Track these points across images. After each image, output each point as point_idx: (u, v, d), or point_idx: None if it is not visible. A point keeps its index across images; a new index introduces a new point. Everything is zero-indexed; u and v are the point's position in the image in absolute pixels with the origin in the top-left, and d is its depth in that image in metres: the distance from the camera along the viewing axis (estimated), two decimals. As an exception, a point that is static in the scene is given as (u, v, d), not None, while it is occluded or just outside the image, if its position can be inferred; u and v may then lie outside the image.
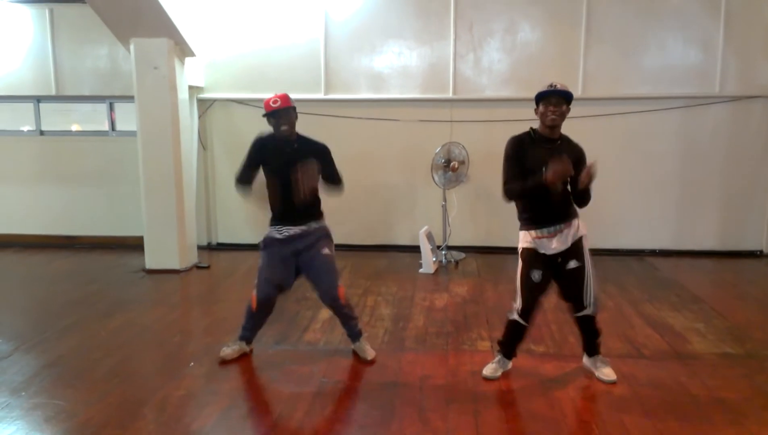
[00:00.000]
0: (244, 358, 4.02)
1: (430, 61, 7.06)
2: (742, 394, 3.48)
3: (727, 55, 6.74)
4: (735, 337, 4.43)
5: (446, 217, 6.85)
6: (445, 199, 6.81)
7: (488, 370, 3.71)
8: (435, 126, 7.06)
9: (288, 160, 3.78)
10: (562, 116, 3.40)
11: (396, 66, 7.11)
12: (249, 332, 4.06)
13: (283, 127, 3.80)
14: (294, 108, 3.87)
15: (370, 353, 4.02)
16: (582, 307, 3.56)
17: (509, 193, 3.48)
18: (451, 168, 6.59)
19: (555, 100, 3.36)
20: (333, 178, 4.01)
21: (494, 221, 7.18)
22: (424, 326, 4.68)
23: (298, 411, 3.30)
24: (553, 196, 3.40)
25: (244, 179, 3.91)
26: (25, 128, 7.74)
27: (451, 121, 7.06)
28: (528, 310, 3.57)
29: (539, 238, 3.49)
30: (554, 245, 3.48)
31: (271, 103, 3.79)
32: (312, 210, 3.94)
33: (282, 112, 3.79)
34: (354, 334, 4.08)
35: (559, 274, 3.55)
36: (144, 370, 3.97)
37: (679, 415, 3.23)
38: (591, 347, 3.72)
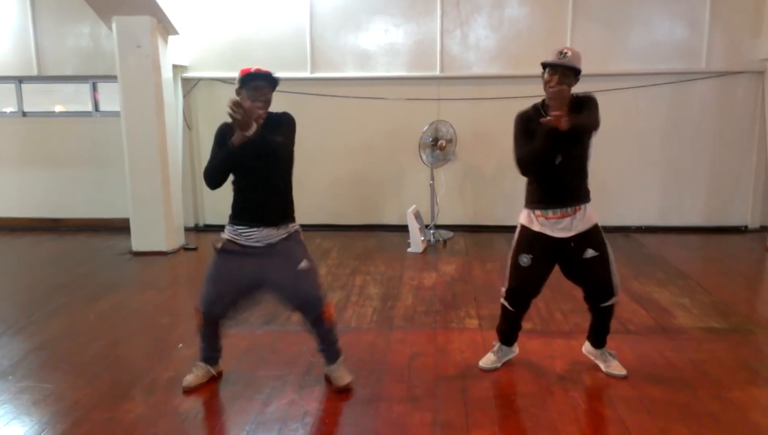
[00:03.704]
0: (232, 338, 3.98)
1: (416, 38, 7.00)
2: (726, 368, 3.52)
3: (714, 30, 6.73)
4: (720, 311, 4.48)
5: (434, 196, 6.84)
6: (432, 178, 6.80)
7: (485, 361, 3.54)
8: (422, 104, 7.01)
9: (253, 142, 2.96)
10: (567, 89, 3.12)
11: (382, 43, 7.04)
12: (208, 353, 3.43)
13: (258, 103, 3.05)
14: (276, 84, 3.13)
15: (346, 377, 3.31)
16: (608, 297, 3.33)
17: (523, 162, 3.21)
18: (438, 146, 6.57)
19: (561, 70, 3.08)
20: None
21: (482, 200, 7.18)
22: (412, 305, 4.69)
23: (288, 391, 3.31)
24: (564, 175, 3.18)
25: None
26: (8, 110, 7.62)
27: (438, 99, 7.02)
28: (514, 295, 3.41)
29: (544, 217, 3.25)
30: (558, 228, 3.22)
31: (252, 71, 3.06)
32: (281, 209, 3.22)
33: (262, 84, 3.06)
34: (332, 356, 3.38)
35: (573, 265, 3.32)
36: (133, 352, 3.95)
37: (665, 389, 3.26)
38: (601, 339, 3.50)
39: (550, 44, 6.96)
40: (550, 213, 3.23)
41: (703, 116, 6.96)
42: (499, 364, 3.55)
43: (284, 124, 3.18)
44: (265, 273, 3.18)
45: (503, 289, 3.46)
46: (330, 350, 3.37)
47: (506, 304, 3.45)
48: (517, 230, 3.39)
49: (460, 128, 6.65)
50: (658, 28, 6.82)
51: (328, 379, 3.39)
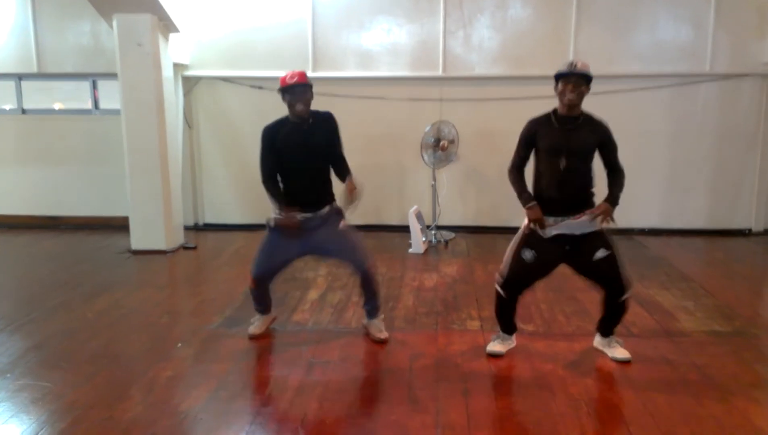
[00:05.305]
0: (231, 339, 4.00)
1: (419, 38, 6.97)
2: (729, 372, 3.50)
3: (718, 33, 6.71)
4: (723, 314, 4.45)
5: (436, 196, 6.81)
6: (434, 179, 6.78)
7: (491, 346, 3.71)
8: (424, 104, 6.99)
9: (302, 141, 3.70)
10: (581, 96, 3.38)
11: (385, 43, 7.02)
12: (262, 306, 4.07)
13: (299, 107, 3.65)
14: (311, 86, 3.71)
15: (384, 332, 3.98)
16: (623, 292, 3.49)
17: (510, 179, 3.56)
18: (440, 147, 6.54)
19: (574, 79, 3.32)
20: (340, 161, 3.92)
21: (484, 201, 7.16)
22: (413, 306, 4.67)
23: (287, 392, 3.28)
24: (567, 184, 3.41)
25: (271, 173, 3.77)
26: (7, 107, 7.59)
27: (440, 100, 7.00)
28: (510, 285, 3.52)
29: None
30: (556, 231, 3.42)
31: (287, 79, 3.64)
32: (326, 193, 3.88)
33: (298, 89, 3.63)
34: (375, 309, 4.02)
35: (586, 266, 3.48)
36: (131, 351, 3.92)
37: (667, 393, 3.24)
38: (610, 328, 3.68)
39: (554, 45, 7.01)
40: (551, 220, 3.44)
41: (707, 119, 6.93)
42: (503, 352, 3.69)
43: (330, 127, 3.84)
44: (314, 241, 3.78)
45: (499, 276, 3.57)
46: (374, 304, 4.00)
47: (500, 290, 3.58)
48: (523, 225, 3.53)
49: (462, 129, 6.62)
50: (663, 29, 6.80)
51: (366, 331, 4.05)
